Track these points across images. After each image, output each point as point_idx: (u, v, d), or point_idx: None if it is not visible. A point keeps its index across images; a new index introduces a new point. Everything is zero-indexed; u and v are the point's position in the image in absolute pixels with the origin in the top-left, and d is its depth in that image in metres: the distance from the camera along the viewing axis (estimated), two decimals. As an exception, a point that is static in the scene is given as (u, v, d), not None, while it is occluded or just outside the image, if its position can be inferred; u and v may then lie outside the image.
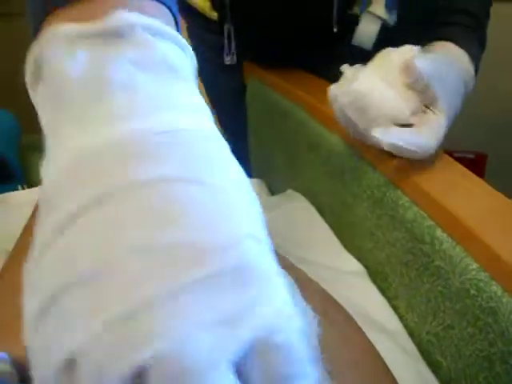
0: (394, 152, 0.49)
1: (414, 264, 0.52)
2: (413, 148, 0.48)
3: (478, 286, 0.44)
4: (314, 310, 0.41)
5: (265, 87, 0.88)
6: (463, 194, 0.50)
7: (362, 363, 0.39)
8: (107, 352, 0.17)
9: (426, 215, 0.50)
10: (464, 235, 0.46)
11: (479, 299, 0.44)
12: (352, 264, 0.60)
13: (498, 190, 0.50)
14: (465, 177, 0.53)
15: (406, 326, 0.53)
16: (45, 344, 0.19)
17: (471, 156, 1.66)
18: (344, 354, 0.38)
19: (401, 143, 0.47)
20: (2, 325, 0.34)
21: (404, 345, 0.51)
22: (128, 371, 0.17)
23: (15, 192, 0.78)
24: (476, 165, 1.63)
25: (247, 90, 0.96)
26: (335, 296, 0.53)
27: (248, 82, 0.95)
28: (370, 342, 0.44)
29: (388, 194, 0.55)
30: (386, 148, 0.48)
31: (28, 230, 0.47)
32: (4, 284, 0.39)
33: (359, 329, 0.44)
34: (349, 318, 0.45)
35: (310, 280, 0.50)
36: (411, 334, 0.53)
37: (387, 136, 0.47)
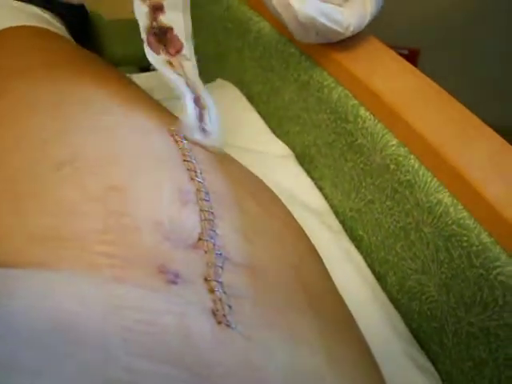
0: (311, 26, 0.46)
1: (338, 144, 0.52)
2: (333, 26, 0.46)
3: (398, 160, 0.45)
4: (236, 185, 0.41)
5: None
6: (388, 74, 0.50)
7: (283, 235, 0.40)
8: None
9: (350, 95, 0.50)
10: (385, 113, 0.46)
11: (398, 173, 0.45)
12: (280, 148, 0.60)
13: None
14: (392, 59, 0.52)
15: (330, 205, 0.55)
16: None
17: (405, 52, 1.66)
18: (266, 226, 0.39)
19: (321, 18, 0.45)
20: None
21: (329, 223, 0.53)
22: None
23: None
24: (410, 60, 1.63)
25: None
26: (267, 179, 0.54)
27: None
28: (293, 218, 0.46)
29: (314, 75, 0.55)
30: (302, 20, 0.45)
31: None
32: None
33: (283, 205, 0.45)
34: (272, 195, 0.46)
35: (234, 160, 0.50)
36: (336, 212, 0.54)
37: (306, 6, 0.44)
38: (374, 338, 0.43)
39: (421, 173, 0.43)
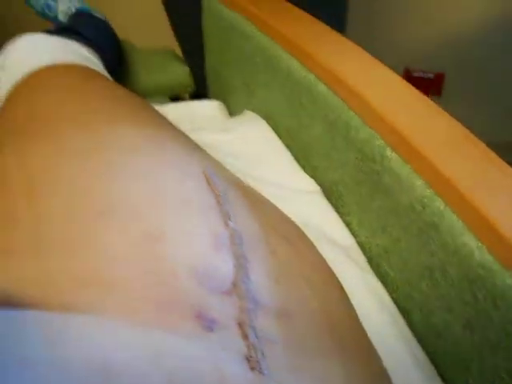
0: None
1: (366, 182, 0.54)
2: None
3: (423, 202, 0.46)
4: (268, 227, 0.43)
5: (222, 6, 0.85)
6: (416, 116, 0.51)
7: (313, 278, 0.41)
8: None
9: (376, 135, 0.52)
10: (411, 154, 0.48)
11: (424, 214, 0.46)
12: (308, 183, 0.62)
13: (455, 105, 0.51)
14: (420, 100, 0.54)
15: (357, 241, 0.57)
16: None
17: (430, 76, 1.68)
18: (296, 269, 0.40)
19: None
20: None
21: (356, 258, 0.54)
22: None
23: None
24: (434, 84, 1.65)
25: (203, 10, 0.93)
26: (291, 214, 0.55)
27: (204, 1, 0.92)
28: (322, 258, 0.47)
29: (341, 115, 0.56)
30: None
31: None
32: None
33: (312, 246, 0.47)
34: (303, 236, 0.47)
35: (265, 200, 0.52)
36: (363, 248, 0.56)
37: None
38: (399, 377, 0.44)
39: (446, 215, 0.44)
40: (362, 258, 0.55)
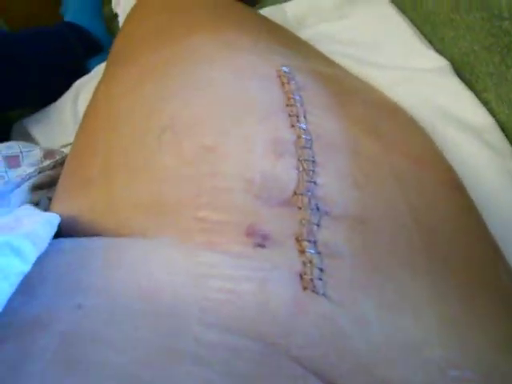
0: None
1: (496, 47, 0.43)
2: None
3: None
4: (353, 121, 0.36)
5: None
6: None
7: (406, 175, 0.35)
8: None
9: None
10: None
11: None
12: (434, 59, 0.51)
13: None
14: None
15: (497, 121, 0.46)
16: None
17: None
18: (384, 166, 0.34)
19: None
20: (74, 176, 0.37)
21: (494, 142, 0.44)
22: None
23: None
24: None
25: None
26: (413, 96, 0.48)
27: None
28: (431, 148, 0.40)
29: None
30: None
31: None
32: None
33: (420, 134, 0.40)
34: (404, 122, 0.40)
35: (361, 89, 0.45)
36: (503, 129, 0.45)
37: None
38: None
39: None
40: (502, 142, 0.44)
